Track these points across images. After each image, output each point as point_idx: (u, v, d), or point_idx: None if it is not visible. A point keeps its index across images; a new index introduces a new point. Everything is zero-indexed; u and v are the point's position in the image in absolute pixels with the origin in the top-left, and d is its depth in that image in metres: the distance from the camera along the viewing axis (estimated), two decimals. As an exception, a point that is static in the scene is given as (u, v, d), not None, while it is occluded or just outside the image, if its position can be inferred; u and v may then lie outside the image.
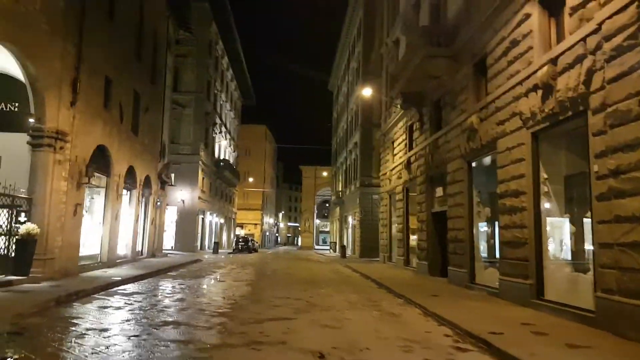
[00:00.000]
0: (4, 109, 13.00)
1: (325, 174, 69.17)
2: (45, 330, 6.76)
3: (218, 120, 43.22)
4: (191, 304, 9.76)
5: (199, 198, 36.15)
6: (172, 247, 32.91)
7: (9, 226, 11.13)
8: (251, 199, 70.04)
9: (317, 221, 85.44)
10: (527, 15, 9.86)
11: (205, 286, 13.86)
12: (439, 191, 16.60)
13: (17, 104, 12.87)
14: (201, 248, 38.13)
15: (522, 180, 10.04)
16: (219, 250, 38.02)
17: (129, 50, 18.03)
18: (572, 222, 9.34)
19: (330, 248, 55.38)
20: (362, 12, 37.13)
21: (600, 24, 7.39)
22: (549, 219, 9.74)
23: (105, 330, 6.91)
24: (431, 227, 17.26)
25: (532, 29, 9.68)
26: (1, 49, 10.42)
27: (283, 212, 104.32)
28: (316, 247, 76.04)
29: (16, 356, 5.46)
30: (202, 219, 39.02)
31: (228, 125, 49.64)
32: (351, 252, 39.27)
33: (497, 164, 11.20)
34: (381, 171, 26.84)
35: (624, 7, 6.92)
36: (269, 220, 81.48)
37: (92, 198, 16.02)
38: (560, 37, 9.02)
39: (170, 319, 7.96)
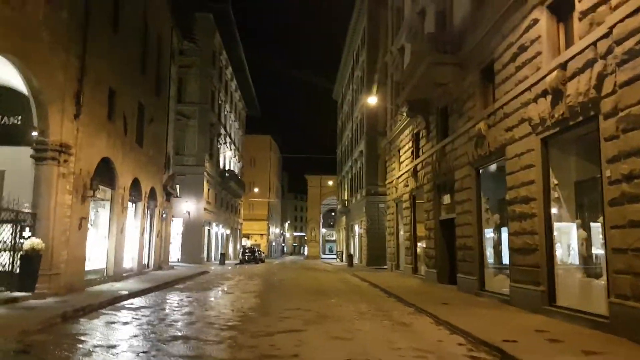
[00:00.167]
0: (7, 122, 12.91)
1: (330, 183, 69.04)
2: (51, 347, 6.64)
3: (223, 131, 43.29)
4: (200, 318, 9.64)
5: (205, 209, 36.10)
6: (178, 259, 32.77)
7: (13, 242, 11.00)
8: (257, 210, 69.95)
9: (323, 230, 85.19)
10: (535, 21, 9.78)
11: (213, 299, 13.74)
12: (447, 199, 16.48)
13: (20, 117, 12.77)
14: (207, 259, 38.01)
15: (532, 187, 9.92)
16: (226, 262, 37.90)
17: (132, 61, 18.03)
18: (583, 227, 9.19)
19: (337, 257, 55.15)
20: (366, 20, 37.17)
21: (611, 28, 7.30)
22: (559, 225, 9.63)
23: (113, 346, 6.79)
24: (439, 234, 17.13)
25: (540, 34, 9.60)
26: (3, 61, 10.36)
27: (289, 221, 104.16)
28: (323, 256, 75.75)
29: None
30: (208, 230, 38.95)
31: (233, 136, 49.72)
32: (358, 261, 39.05)
33: (506, 171, 11.08)
34: (387, 179, 26.75)
35: (636, 11, 6.84)
36: (275, 230, 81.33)
37: (97, 211, 15.95)
38: (569, 42, 8.93)
39: (179, 334, 7.84)
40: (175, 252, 32.18)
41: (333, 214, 78.16)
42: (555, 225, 9.58)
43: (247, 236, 65.60)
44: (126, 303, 11.63)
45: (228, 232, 47.89)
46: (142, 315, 9.80)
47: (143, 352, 6.48)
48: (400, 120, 22.92)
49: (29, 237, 11.01)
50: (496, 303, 11.30)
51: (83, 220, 13.47)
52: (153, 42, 20.74)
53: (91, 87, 13.58)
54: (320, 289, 16.83)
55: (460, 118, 14.31)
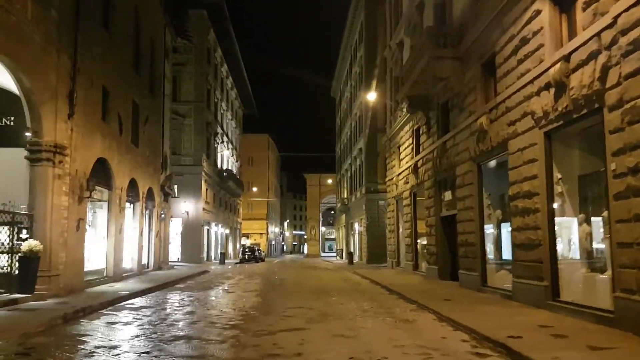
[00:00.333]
0: (0, 123, 12.76)
1: (329, 181, 68.94)
2: (52, 349, 6.56)
3: (219, 130, 43.13)
4: (201, 317, 9.55)
5: (203, 209, 35.99)
6: (178, 259, 32.71)
7: (11, 243, 10.91)
8: (256, 209, 69.86)
9: (322, 229, 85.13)
10: (538, 12, 9.65)
11: (214, 298, 13.65)
12: (448, 195, 16.40)
13: (13, 119, 12.62)
14: (207, 259, 37.94)
15: (535, 181, 9.82)
16: (226, 261, 37.84)
17: (126, 60, 17.84)
18: (587, 222, 9.11)
19: (337, 255, 55.10)
20: (364, 15, 36.95)
21: (615, 18, 7.17)
22: (563, 220, 9.54)
23: (115, 347, 6.70)
24: (440, 231, 17.06)
25: (542, 25, 9.47)
26: (-7, 62, 10.25)
27: (288, 220, 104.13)
28: (322, 254, 75.69)
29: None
30: (207, 230, 38.86)
31: (230, 135, 49.56)
32: (358, 259, 39.00)
33: (509, 165, 10.98)
34: (387, 177, 26.66)
35: (643, -1, 6.71)
36: (274, 229, 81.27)
37: (95, 212, 15.87)
38: (572, 34, 8.81)
39: (181, 334, 7.75)
40: (175, 252, 32.12)
41: (332, 212, 78.06)
42: (559, 219, 9.49)
43: (247, 235, 65.53)
44: (127, 303, 11.55)
45: (227, 231, 47.80)
46: (143, 315, 9.72)
47: (145, 352, 6.39)
48: (400, 117, 22.82)
49: (26, 238, 10.92)
50: (499, 299, 11.25)
51: (81, 221, 13.37)
52: (146, 40, 20.55)
53: (84, 87, 13.43)
54: (321, 287, 16.75)
55: (462, 113, 14.21)
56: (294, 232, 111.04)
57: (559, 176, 9.45)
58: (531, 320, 8.20)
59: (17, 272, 10.77)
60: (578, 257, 9.42)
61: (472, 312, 9.25)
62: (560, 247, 9.49)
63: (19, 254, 10.75)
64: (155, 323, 8.79)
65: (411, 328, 8.31)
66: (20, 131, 11.97)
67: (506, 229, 12.31)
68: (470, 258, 13.75)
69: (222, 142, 44.63)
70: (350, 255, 37.97)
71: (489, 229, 13.20)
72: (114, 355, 6.23)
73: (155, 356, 6.19)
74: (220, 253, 38.98)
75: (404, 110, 20.89)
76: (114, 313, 9.96)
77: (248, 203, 65.73)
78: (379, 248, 31.68)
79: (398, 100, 22.49)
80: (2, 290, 10.42)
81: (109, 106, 15.69)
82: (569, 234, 9.60)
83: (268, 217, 73.94)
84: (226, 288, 16.53)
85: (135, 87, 18.88)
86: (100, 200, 15.79)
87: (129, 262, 18.44)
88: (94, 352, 6.41)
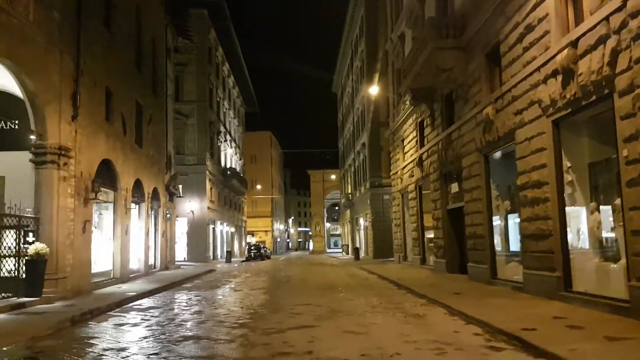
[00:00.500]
0: (4, 127, 12.76)
1: (333, 177, 68.77)
2: (61, 352, 6.49)
3: (222, 129, 43.08)
4: (209, 316, 9.48)
5: (208, 208, 35.98)
6: (184, 258, 32.75)
7: (17, 247, 10.88)
8: (260, 207, 69.85)
9: (327, 225, 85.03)
10: (542, -2, 9.48)
11: (221, 296, 13.59)
12: (454, 187, 16.27)
13: (17, 122, 12.60)
14: (213, 258, 37.95)
15: (544, 171, 9.67)
16: (232, 259, 37.85)
17: (128, 60, 17.78)
18: (598, 210, 8.96)
19: (343, 251, 55.01)
20: (364, 8, 36.70)
21: (625, 0, 7.01)
22: (573, 209, 9.39)
23: (123, 349, 6.62)
24: (447, 224, 16.94)
25: (548, 12, 9.30)
26: (-3, 66, 10.19)
27: (293, 217, 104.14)
28: (328, 250, 75.64)
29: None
30: (213, 228, 38.88)
31: (233, 133, 49.50)
32: (364, 254, 38.90)
33: (517, 155, 10.84)
34: (392, 170, 26.50)
35: (654, -20, 6.56)
36: (279, 226, 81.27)
37: (101, 214, 15.82)
38: (579, 19, 8.64)
39: (190, 334, 7.67)
40: (181, 252, 32.13)
41: (337, 208, 77.91)
42: (569, 209, 9.34)
43: (252, 233, 65.56)
44: (134, 304, 11.49)
45: (233, 230, 47.80)
46: (151, 316, 9.66)
47: (154, 354, 6.32)
48: (403, 110, 22.65)
49: (33, 241, 10.90)
50: (509, 291, 11.13)
51: (87, 223, 13.33)
52: (147, 40, 20.46)
53: (87, 88, 13.36)
54: (328, 283, 16.67)
55: (466, 104, 14.04)
56: (299, 229, 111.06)
57: (569, 164, 9.30)
58: (544, 311, 8.09)
59: (24, 275, 10.74)
60: (589, 246, 9.28)
61: (484, 305, 9.13)
62: (570, 236, 9.34)
63: (26, 258, 10.72)
64: (164, 324, 8.72)
65: (422, 323, 8.20)
66: (25, 134, 11.95)
67: (513, 220, 12.19)
68: (479, 250, 13.62)
69: (225, 140, 44.58)
70: (356, 250, 37.87)
71: (497, 221, 13.06)
72: (123, 358, 6.15)
73: (164, 357, 6.11)
74: (227, 251, 38.99)
75: (407, 103, 20.72)
76: (122, 314, 9.90)
77: (252, 201, 65.71)
78: (385, 243, 31.56)
79: (401, 93, 22.30)
80: (10, 294, 10.39)
81: (112, 106, 15.61)
82: (579, 223, 9.45)
83: (272, 214, 73.95)
84: (233, 286, 16.47)
85: (138, 87, 18.80)
86: (105, 202, 15.74)
87: (135, 262, 18.41)
88: (102, 354, 6.34)
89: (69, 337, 7.56)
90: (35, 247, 10.66)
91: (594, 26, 7.80)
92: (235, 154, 51.04)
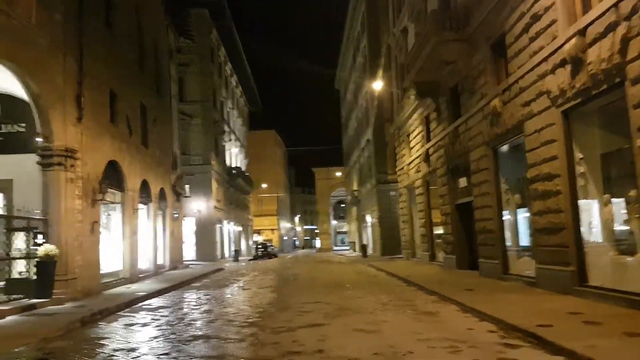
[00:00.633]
0: (11, 130, 12.84)
1: (338, 174, 68.52)
2: (71, 353, 6.49)
3: (226, 128, 43.08)
4: (219, 315, 9.45)
5: (215, 207, 36.02)
6: (192, 257, 32.81)
7: (27, 249, 10.95)
8: (266, 205, 69.85)
9: (333, 222, 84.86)
10: (549, -13, 9.33)
11: (230, 295, 13.56)
12: (463, 182, 16.10)
13: (24, 125, 12.68)
14: (221, 257, 38.02)
15: (554, 163, 9.51)
16: (239, 258, 37.90)
17: (131, 62, 17.78)
18: (612, 202, 8.79)
19: (350, 248, 54.89)
20: (365, 3, 36.50)
21: (636, -14, 6.88)
22: (586, 201, 9.20)
23: (133, 349, 6.59)
24: (456, 219, 16.78)
25: (554, 0, 9.14)
26: (1, 69, 10.16)
27: (299, 215, 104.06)
28: (335, 248, 75.47)
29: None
30: (220, 228, 38.94)
31: (237, 133, 49.50)
32: (372, 251, 38.77)
33: (526, 148, 10.68)
34: (397, 166, 26.33)
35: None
36: (285, 224, 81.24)
37: (109, 214, 15.85)
38: (586, 7, 8.47)
39: (200, 333, 7.63)
40: (189, 251, 32.18)
41: (343, 205, 77.77)
42: (582, 201, 9.17)
43: (258, 232, 65.60)
44: (144, 304, 11.50)
45: (239, 228, 47.86)
46: (161, 316, 9.64)
47: (164, 354, 6.28)
48: (407, 105, 22.49)
49: (42, 243, 10.93)
50: (522, 286, 10.95)
51: (95, 224, 13.35)
52: (149, 41, 20.45)
53: (92, 90, 13.36)
54: (337, 281, 16.58)
55: (473, 96, 13.89)
56: (305, 227, 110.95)
57: (580, 156, 9.12)
58: (559, 307, 7.93)
59: (34, 277, 10.79)
60: (603, 239, 9.10)
61: (497, 301, 8.99)
62: (583, 229, 9.17)
63: (36, 259, 10.76)
64: (173, 323, 8.69)
65: (434, 320, 8.08)
66: (32, 137, 11.99)
67: (522, 214, 12.03)
68: (489, 246, 13.47)
69: (230, 140, 44.58)
70: (363, 247, 37.73)
71: (507, 215, 12.91)
72: (133, 358, 6.12)
73: (174, 357, 6.07)
74: (234, 250, 39.03)
75: (412, 97, 20.56)
76: (132, 314, 9.90)
77: (258, 199, 65.74)
78: (392, 239, 31.39)
79: (405, 88, 22.14)
80: (21, 296, 10.44)
81: (117, 108, 15.62)
82: (593, 216, 9.26)
83: (278, 212, 73.94)
84: (241, 285, 16.45)
85: (141, 88, 18.81)
86: (113, 203, 15.79)
87: (144, 262, 18.47)
88: (112, 355, 6.31)
89: (80, 338, 7.55)
90: (45, 248, 10.71)
91: (603, 13, 7.64)
92: (240, 153, 51.04)
